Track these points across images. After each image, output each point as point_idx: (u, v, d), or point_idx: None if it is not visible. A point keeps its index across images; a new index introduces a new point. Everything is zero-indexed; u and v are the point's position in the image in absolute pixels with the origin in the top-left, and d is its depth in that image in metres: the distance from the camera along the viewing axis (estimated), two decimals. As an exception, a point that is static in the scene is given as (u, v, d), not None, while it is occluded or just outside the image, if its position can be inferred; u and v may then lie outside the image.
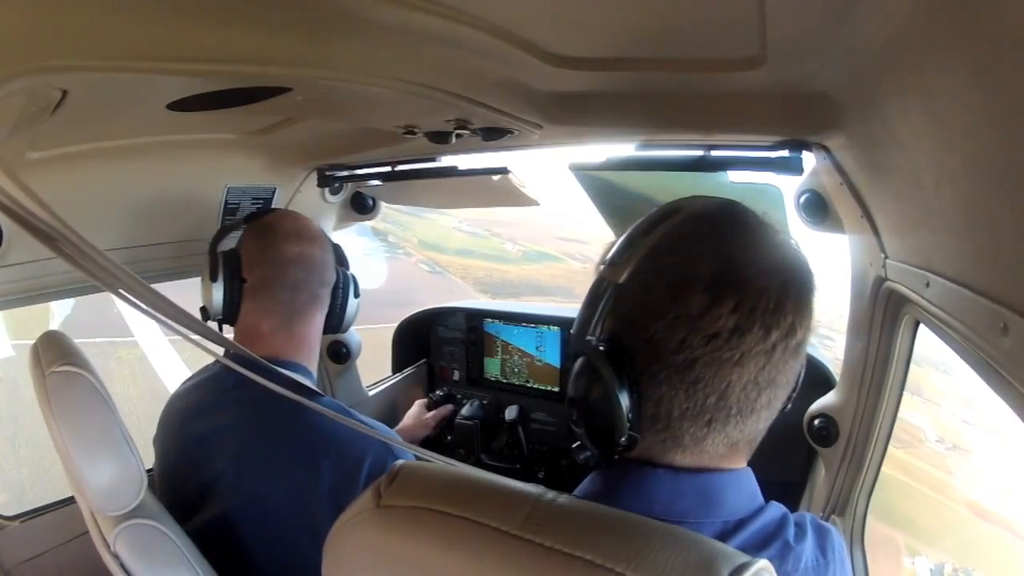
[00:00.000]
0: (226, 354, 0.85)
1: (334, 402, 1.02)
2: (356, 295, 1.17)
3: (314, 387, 1.02)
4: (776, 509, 0.60)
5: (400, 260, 11.24)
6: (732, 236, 0.58)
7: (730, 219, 0.60)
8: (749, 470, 0.62)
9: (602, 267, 0.60)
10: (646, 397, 0.56)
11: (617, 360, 0.56)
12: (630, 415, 0.55)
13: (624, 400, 0.55)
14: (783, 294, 0.55)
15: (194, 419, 1.04)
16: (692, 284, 0.54)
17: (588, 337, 0.58)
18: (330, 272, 1.12)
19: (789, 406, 0.62)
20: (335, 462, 0.92)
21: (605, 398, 0.56)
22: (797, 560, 0.57)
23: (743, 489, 0.60)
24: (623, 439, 0.56)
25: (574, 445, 0.62)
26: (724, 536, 0.56)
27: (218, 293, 1.06)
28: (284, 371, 0.88)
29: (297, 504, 0.92)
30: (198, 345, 0.75)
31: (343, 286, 1.14)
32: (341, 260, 1.20)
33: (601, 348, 0.57)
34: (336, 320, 1.14)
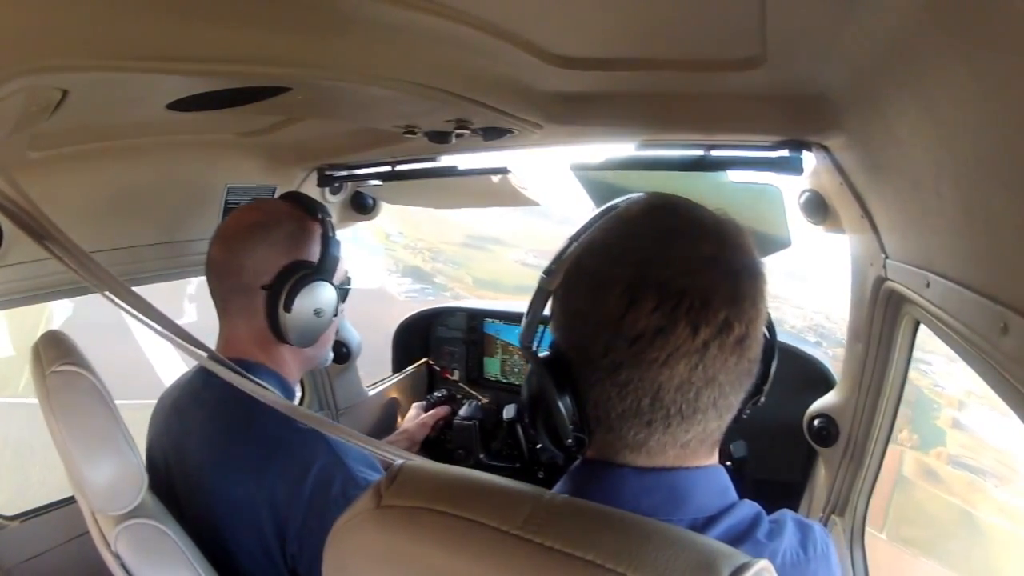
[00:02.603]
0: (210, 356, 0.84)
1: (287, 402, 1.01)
2: (287, 309, 0.97)
3: (276, 390, 0.93)
4: (749, 507, 0.60)
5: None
6: (651, 236, 0.57)
7: (652, 218, 0.59)
8: (720, 467, 0.61)
9: (543, 276, 0.62)
10: (587, 400, 0.57)
11: (556, 366, 0.58)
12: (573, 418, 0.58)
13: (563, 404, 0.57)
14: (710, 291, 0.53)
15: (172, 417, 1.04)
16: (610, 287, 0.54)
17: (527, 345, 0.61)
18: (247, 277, 0.98)
19: (762, 400, 0.62)
20: (280, 471, 0.90)
21: (546, 403, 0.58)
22: (772, 557, 0.56)
23: (712, 485, 0.59)
24: (569, 440, 0.59)
25: (538, 446, 0.65)
26: None
27: None
28: (247, 375, 0.84)
29: (244, 513, 0.91)
30: (169, 338, 0.77)
31: (275, 294, 0.98)
32: (325, 259, 1.03)
33: (540, 355, 0.60)
34: (275, 332, 0.99)
